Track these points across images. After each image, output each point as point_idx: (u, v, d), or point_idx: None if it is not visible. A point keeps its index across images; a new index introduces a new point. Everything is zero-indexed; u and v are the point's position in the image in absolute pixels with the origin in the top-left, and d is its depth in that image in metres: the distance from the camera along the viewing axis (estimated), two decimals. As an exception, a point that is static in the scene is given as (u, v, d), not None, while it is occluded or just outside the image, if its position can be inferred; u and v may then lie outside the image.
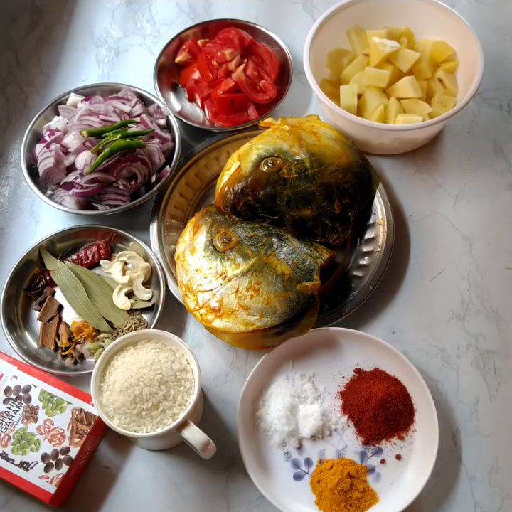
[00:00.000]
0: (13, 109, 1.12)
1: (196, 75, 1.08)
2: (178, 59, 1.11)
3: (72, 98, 1.03)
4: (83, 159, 0.95)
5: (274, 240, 0.88)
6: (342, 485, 0.80)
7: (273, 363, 0.87)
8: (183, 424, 0.76)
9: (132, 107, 1.01)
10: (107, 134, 0.95)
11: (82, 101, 1.02)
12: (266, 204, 0.91)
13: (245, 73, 1.05)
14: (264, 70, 1.08)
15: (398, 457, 0.83)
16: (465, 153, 1.04)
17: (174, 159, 0.98)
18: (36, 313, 0.94)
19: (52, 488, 0.79)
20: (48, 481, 0.79)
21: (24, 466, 0.80)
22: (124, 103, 1.01)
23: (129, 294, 0.94)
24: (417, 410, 0.84)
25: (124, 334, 0.88)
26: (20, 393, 0.83)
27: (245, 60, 1.07)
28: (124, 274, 0.94)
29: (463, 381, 0.88)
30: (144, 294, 0.93)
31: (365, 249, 0.95)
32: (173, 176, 0.99)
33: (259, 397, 0.86)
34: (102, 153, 0.93)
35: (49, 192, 0.98)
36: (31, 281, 0.95)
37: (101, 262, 0.96)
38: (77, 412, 0.82)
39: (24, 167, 0.98)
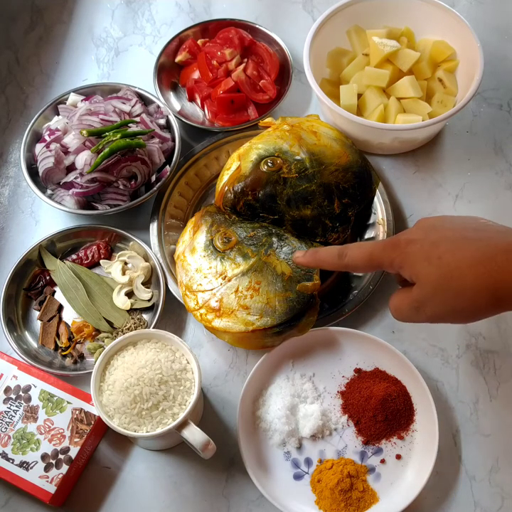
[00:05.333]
0: (13, 109, 1.12)
1: (196, 75, 1.08)
2: (178, 59, 1.11)
3: (72, 98, 1.03)
4: (83, 159, 0.95)
5: (274, 239, 0.88)
6: (342, 485, 0.80)
7: (273, 363, 0.87)
8: (183, 424, 0.76)
9: (132, 107, 1.01)
10: (106, 133, 0.95)
11: (82, 101, 1.02)
12: (266, 204, 0.91)
13: (245, 73, 1.05)
14: (264, 70, 1.08)
15: (398, 457, 0.83)
16: (465, 153, 1.04)
17: (174, 159, 0.98)
18: (36, 313, 0.94)
19: (52, 488, 0.79)
20: (48, 481, 0.79)
21: (24, 465, 0.80)
22: (124, 103, 1.01)
23: (129, 294, 0.94)
24: (417, 410, 0.84)
25: (124, 334, 0.88)
26: (20, 393, 0.83)
27: (245, 60, 1.07)
28: (124, 273, 0.94)
29: (463, 381, 0.88)
30: (143, 294, 0.93)
31: (365, 249, 0.95)
32: (173, 176, 0.99)
33: (259, 397, 0.86)
34: (101, 153, 0.93)
35: (49, 192, 0.98)
36: (31, 281, 0.95)
37: (101, 261, 0.96)
38: (77, 412, 0.82)
39: (24, 167, 0.98)
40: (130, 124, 0.98)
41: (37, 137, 1.01)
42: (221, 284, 0.86)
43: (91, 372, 0.79)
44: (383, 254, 0.70)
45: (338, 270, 0.77)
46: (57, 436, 0.81)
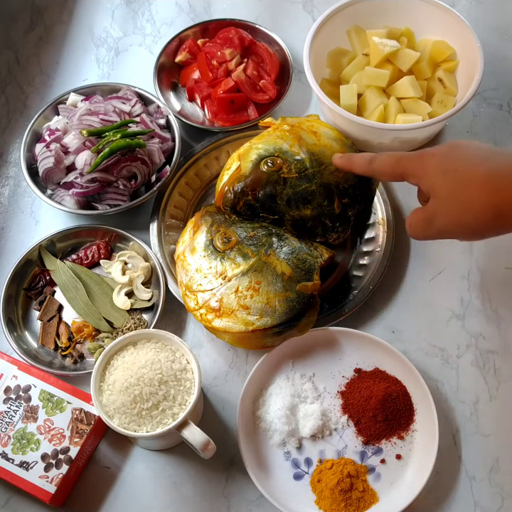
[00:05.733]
0: (13, 109, 1.12)
1: (196, 75, 1.08)
2: (178, 59, 1.11)
3: (72, 98, 1.03)
4: (83, 159, 0.95)
5: (274, 239, 0.88)
6: (342, 485, 0.80)
7: (273, 363, 0.87)
8: (183, 424, 0.76)
9: (132, 107, 1.01)
10: (106, 133, 0.95)
11: (82, 101, 1.02)
12: (266, 204, 0.91)
13: (245, 73, 1.05)
14: (264, 70, 1.08)
15: (398, 457, 0.83)
16: (465, 153, 1.04)
17: (174, 159, 0.98)
18: (36, 313, 0.94)
19: (52, 488, 0.79)
20: (48, 481, 0.79)
21: (24, 465, 0.80)
22: (124, 103, 1.01)
23: (129, 294, 0.94)
24: (417, 410, 0.84)
25: (124, 334, 0.88)
26: (20, 393, 0.83)
27: (245, 60, 1.07)
28: (124, 273, 0.94)
29: (463, 381, 0.88)
30: (143, 294, 0.93)
31: (365, 248, 0.95)
32: (173, 176, 0.99)
33: (259, 397, 0.86)
34: (101, 153, 0.93)
35: (49, 192, 0.98)
36: (31, 281, 0.95)
37: (101, 261, 0.96)
38: (77, 412, 0.82)
39: (24, 167, 0.98)
40: (130, 124, 0.98)
41: (37, 137, 1.01)
42: (221, 284, 0.86)
43: (91, 372, 0.79)
44: (409, 163, 0.73)
45: (366, 175, 0.80)
46: (57, 436, 0.81)
